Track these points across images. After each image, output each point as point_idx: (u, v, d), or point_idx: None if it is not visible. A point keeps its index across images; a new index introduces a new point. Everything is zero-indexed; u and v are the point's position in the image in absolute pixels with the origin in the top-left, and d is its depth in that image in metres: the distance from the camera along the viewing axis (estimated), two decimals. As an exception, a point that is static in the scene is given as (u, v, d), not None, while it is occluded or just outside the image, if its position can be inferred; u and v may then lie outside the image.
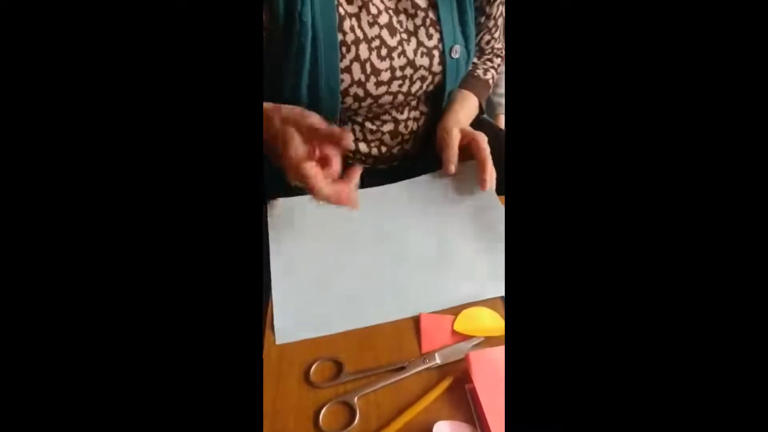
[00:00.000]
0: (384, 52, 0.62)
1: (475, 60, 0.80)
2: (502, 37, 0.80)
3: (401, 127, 0.72)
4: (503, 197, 0.61)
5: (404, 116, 0.71)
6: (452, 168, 0.62)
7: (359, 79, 0.61)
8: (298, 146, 0.47)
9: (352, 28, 0.60)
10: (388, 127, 0.71)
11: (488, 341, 0.45)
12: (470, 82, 0.78)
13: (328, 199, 0.48)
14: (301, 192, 0.61)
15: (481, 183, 0.60)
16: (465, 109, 0.73)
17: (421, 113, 0.73)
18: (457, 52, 0.67)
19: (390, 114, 0.69)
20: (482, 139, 0.63)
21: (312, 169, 0.47)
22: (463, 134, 0.65)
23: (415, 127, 0.73)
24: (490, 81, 0.80)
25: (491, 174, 0.61)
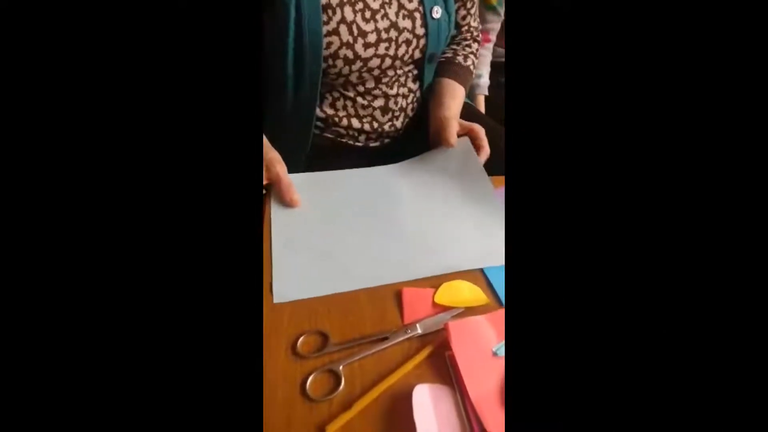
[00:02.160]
0: (368, 14, 0.65)
1: (454, 46, 0.83)
2: (477, 15, 0.83)
3: (391, 103, 0.75)
4: (495, 177, 0.65)
5: (394, 92, 0.74)
6: (453, 142, 0.67)
7: (347, 41, 0.64)
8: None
9: None
10: (379, 102, 0.74)
11: (468, 311, 0.47)
12: (454, 70, 0.80)
13: None
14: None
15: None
16: (455, 100, 0.76)
17: (409, 90, 0.77)
18: (438, 12, 0.71)
19: (380, 89, 0.73)
20: (480, 129, 0.68)
21: None
22: (461, 126, 0.69)
23: (404, 104, 0.77)
24: (471, 67, 0.83)
25: (485, 157, 0.67)
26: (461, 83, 0.79)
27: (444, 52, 0.81)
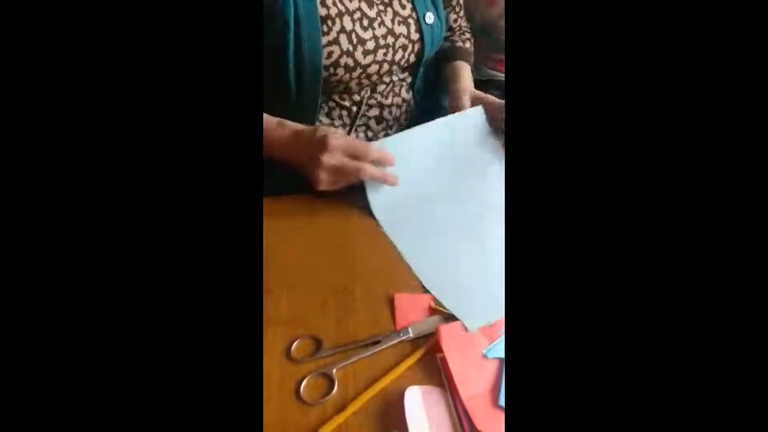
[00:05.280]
0: (366, 22, 0.68)
1: (451, 37, 0.89)
2: (464, 17, 0.91)
3: (386, 113, 0.78)
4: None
5: (388, 101, 0.77)
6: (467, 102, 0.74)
7: (347, 50, 0.66)
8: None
9: (334, 3, 0.66)
10: (374, 112, 0.76)
11: (458, 315, 0.48)
12: (459, 53, 0.87)
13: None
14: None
15: (501, 123, 0.72)
16: (466, 74, 0.83)
17: (403, 100, 0.80)
18: (431, 18, 0.75)
19: (375, 99, 0.75)
20: (493, 98, 0.73)
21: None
22: (473, 96, 0.75)
23: (398, 113, 0.80)
24: (470, 50, 0.90)
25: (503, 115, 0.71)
26: (467, 61, 0.86)
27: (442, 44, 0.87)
